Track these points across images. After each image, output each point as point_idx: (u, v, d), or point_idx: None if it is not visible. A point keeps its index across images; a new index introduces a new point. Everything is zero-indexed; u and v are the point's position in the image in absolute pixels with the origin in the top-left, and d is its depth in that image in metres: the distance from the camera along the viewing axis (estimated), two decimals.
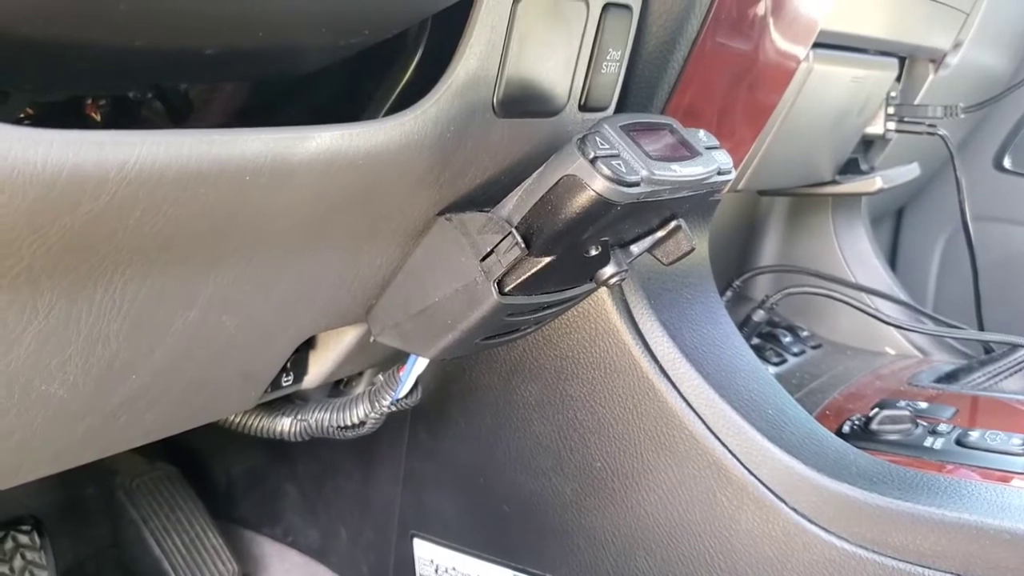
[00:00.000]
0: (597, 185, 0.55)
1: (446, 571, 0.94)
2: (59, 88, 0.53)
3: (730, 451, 0.77)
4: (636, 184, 0.56)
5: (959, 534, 0.69)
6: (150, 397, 0.60)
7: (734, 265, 1.25)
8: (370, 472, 0.98)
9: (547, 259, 0.61)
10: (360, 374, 0.85)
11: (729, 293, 1.13)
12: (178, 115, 0.64)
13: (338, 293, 0.65)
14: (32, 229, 0.41)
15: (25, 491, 0.65)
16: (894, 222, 1.63)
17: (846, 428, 0.88)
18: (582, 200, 0.56)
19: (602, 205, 0.56)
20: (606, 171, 0.55)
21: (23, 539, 0.90)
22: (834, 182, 1.12)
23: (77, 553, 1.00)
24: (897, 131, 1.12)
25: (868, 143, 1.17)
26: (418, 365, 0.72)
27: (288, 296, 0.62)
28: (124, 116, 0.63)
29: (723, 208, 1.08)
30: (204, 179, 0.45)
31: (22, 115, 0.57)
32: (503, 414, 0.87)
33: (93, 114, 0.62)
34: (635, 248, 0.65)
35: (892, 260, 1.61)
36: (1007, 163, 1.54)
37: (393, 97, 0.60)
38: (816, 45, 0.86)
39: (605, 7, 0.65)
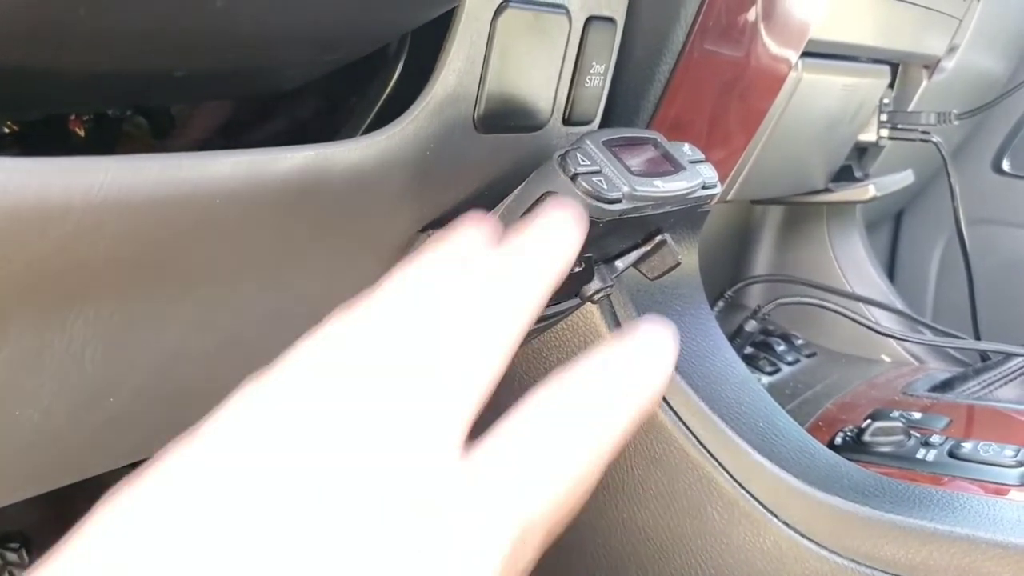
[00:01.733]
0: (578, 203, 0.55)
1: None
2: (31, 111, 0.53)
3: (720, 465, 0.77)
4: (617, 201, 0.56)
5: (951, 547, 0.69)
6: (129, 419, 0.59)
7: (728, 274, 1.24)
8: None
9: None
10: None
11: (721, 303, 1.12)
12: (161, 130, 0.64)
13: (321, 310, 0.65)
14: None
15: (13, 507, 0.64)
16: (893, 226, 1.63)
17: (838, 440, 0.88)
18: None
19: None
20: (587, 188, 0.55)
21: (11, 556, 0.89)
22: (827, 190, 1.12)
23: None
24: (890, 138, 1.11)
25: (862, 150, 1.17)
26: None
27: (269, 315, 0.61)
28: (107, 131, 0.62)
29: (716, 217, 1.08)
30: (173, 204, 0.44)
31: (7, 130, 0.57)
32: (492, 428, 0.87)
33: (77, 129, 0.62)
34: (620, 263, 0.65)
35: (891, 264, 1.61)
36: (1006, 166, 1.54)
37: (374, 111, 0.59)
38: (806, 54, 0.86)
39: (588, 20, 0.64)
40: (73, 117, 0.61)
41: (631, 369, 0.31)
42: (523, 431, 0.29)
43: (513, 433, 0.29)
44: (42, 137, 0.58)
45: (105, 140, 0.61)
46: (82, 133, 0.62)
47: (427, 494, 0.27)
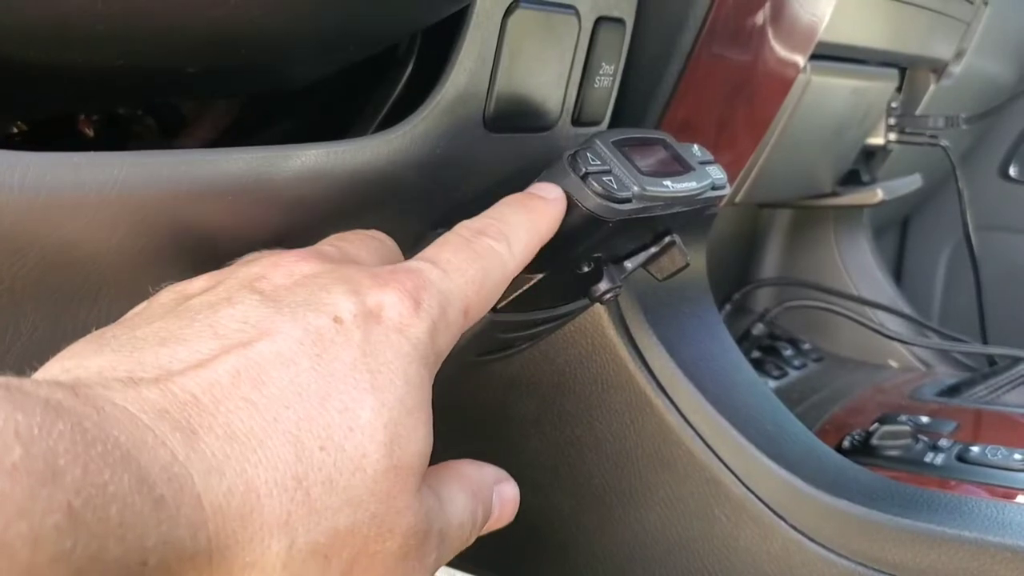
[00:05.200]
0: (588, 202, 0.55)
1: None
2: (45, 109, 0.53)
3: (728, 468, 0.76)
4: (627, 200, 0.56)
5: (959, 551, 0.69)
6: None
7: (734, 278, 1.24)
8: None
9: (539, 276, 0.60)
10: None
11: (728, 307, 1.12)
12: (170, 130, 0.64)
13: None
14: (11, 251, 0.41)
15: None
16: (899, 232, 1.63)
17: (846, 443, 0.87)
18: (573, 217, 0.55)
19: (593, 222, 0.55)
20: (597, 188, 0.55)
21: None
22: (835, 194, 1.12)
23: None
24: (898, 142, 1.11)
25: (869, 154, 1.17)
26: None
27: None
28: (116, 132, 0.62)
29: (723, 221, 1.08)
30: (186, 199, 0.44)
31: (15, 130, 0.57)
32: (500, 430, 0.87)
33: (86, 130, 0.62)
34: (629, 264, 0.64)
35: (897, 270, 1.60)
36: (1013, 172, 1.53)
37: (384, 111, 0.60)
38: (814, 56, 0.86)
39: (598, 21, 0.64)
40: (83, 117, 0.61)
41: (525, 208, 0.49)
42: (435, 248, 0.43)
43: (429, 249, 0.43)
44: (51, 137, 0.58)
45: (114, 140, 0.61)
46: (91, 133, 0.62)
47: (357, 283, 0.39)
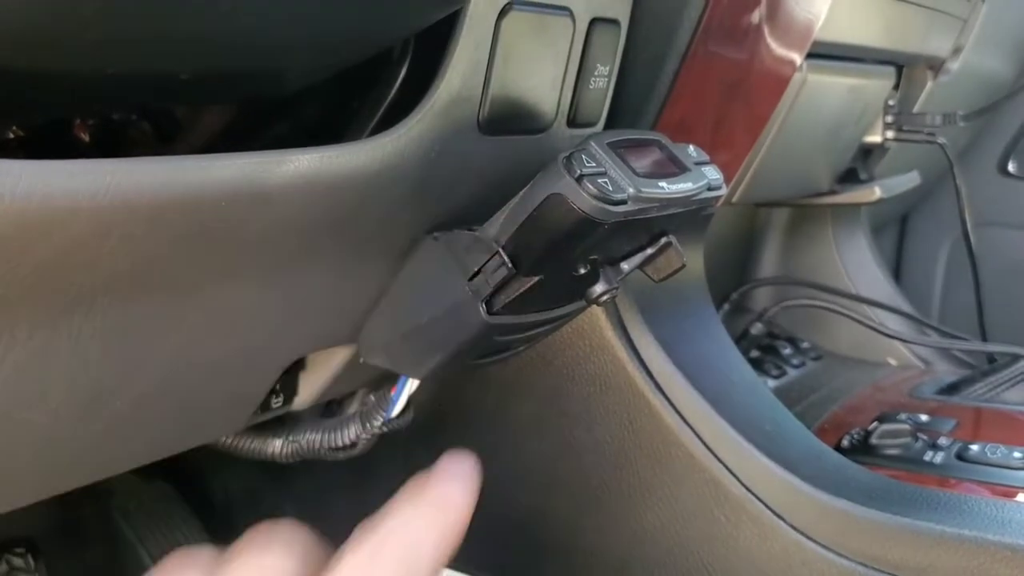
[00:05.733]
0: (583, 204, 0.54)
1: None
2: (38, 115, 0.53)
3: (728, 468, 0.76)
4: (623, 202, 0.55)
5: (958, 550, 0.68)
6: (136, 422, 0.59)
7: (733, 277, 1.24)
8: (367, 490, 0.98)
9: (535, 278, 0.60)
10: (353, 393, 0.84)
11: (727, 306, 1.12)
12: (166, 136, 0.64)
13: (326, 314, 0.65)
14: (4, 260, 0.41)
15: (19, 513, 0.64)
16: (898, 229, 1.63)
17: (845, 442, 0.87)
18: (568, 219, 0.55)
19: (588, 224, 0.55)
20: (592, 189, 0.54)
21: (17, 562, 0.89)
22: (832, 192, 1.12)
23: (73, 574, 1.00)
24: (896, 140, 1.11)
25: (867, 152, 1.17)
26: (409, 385, 0.71)
27: (275, 319, 0.61)
28: (113, 137, 0.62)
29: (721, 220, 1.08)
30: (179, 206, 0.44)
31: (11, 136, 0.57)
32: (499, 432, 0.87)
33: (82, 135, 0.62)
34: (625, 265, 0.64)
35: (896, 268, 1.60)
36: (1012, 168, 1.53)
37: (379, 115, 0.59)
38: (811, 55, 0.86)
39: (592, 22, 0.64)
40: (78, 122, 0.61)
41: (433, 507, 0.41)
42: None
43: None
44: (47, 143, 0.58)
45: (110, 145, 0.61)
46: (87, 139, 0.62)
47: None
